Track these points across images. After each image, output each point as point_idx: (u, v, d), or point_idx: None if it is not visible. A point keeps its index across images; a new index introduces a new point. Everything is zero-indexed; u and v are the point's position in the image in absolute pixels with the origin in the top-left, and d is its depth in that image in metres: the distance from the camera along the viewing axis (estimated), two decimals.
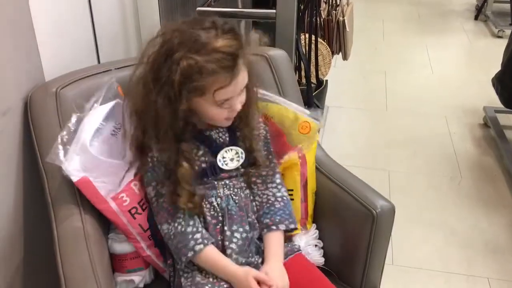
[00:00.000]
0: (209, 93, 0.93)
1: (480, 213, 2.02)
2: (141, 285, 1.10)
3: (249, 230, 1.03)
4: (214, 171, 1.04)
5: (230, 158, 1.05)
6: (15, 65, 1.03)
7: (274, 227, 1.05)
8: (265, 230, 1.05)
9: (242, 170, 1.07)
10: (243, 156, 1.06)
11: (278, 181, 1.10)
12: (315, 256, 1.14)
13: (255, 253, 1.04)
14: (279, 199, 1.08)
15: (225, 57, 0.91)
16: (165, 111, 0.94)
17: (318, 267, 1.11)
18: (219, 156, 1.04)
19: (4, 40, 0.98)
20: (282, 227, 1.05)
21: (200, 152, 1.04)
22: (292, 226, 1.06)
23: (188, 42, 0.92)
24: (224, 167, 1.04)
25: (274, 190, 1.09)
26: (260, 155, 1.08)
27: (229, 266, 0.99)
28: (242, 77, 0.96)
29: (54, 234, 0.99)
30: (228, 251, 1.01)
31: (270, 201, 1.08)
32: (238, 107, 1.00)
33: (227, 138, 1.07)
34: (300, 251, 1.10)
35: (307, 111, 1.18)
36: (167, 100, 0.93)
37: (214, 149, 1.05)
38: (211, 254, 0.99)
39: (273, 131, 1.15)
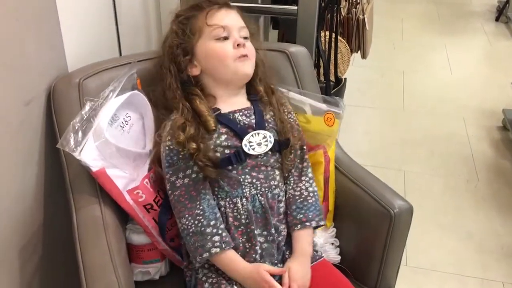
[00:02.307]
0: (203, 23, 1.02)
1: (496, 217, 2.00)
2: (157, 276, 1.11)
3: (274, 233, 1.00)
4: (239, 157, 0.98)
5: (257, 142, 1.00)
6: (39, 55, 1.04)
7: (308, 223, 1.02)
8: (298, 226, 1.02)
9: (272, 160, 1.02)
10: (272, 140, 1.01)
11: (310, 175, 1.08)
12: (332, 254, 1.13)
13: (280, 260, 1.01)
14: (311, 194, 1.05)
15: (215, 1, 1.06)
16: (173, 76, 1.04)
17: (334, 264, 1.11)
18: (244, 141, 0.99)
19: (29, 30, 0.99)
20: (314, 223, 1.03)
21: (223, 137, 0.99)
22: (322, 223, 1.04)
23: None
24: (251, 152, 0.98)
25: (307, 184, 1.06)
26: (294, 137, 1.05)
27: (243, 267, 0.96)
28: (236, 16, 1.06)
29: (73, 222, 1.00)
30: (253, 255, 0.98)
31: (303, 196, 1.04)
32: (241, 40, 1.03)
33: (253, 121, 1.03)
34: (323, 257, 1.07)
35: (325, 106, 1.16)
36: (174, 64, 1.04)
37: (240, 131, 1.00)
38: (226, 258, 0.96)
39: None
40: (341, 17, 2.26)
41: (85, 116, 0.99)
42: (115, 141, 1.01)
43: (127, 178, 1.03)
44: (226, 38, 1.02)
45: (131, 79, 1.09)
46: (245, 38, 1.06)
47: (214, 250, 0.94)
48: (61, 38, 1.09)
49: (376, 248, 1.08)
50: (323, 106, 1.16)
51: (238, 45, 1.02)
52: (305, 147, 1.10)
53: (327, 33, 2.05)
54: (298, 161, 1.08)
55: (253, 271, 0.95)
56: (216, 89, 1.05)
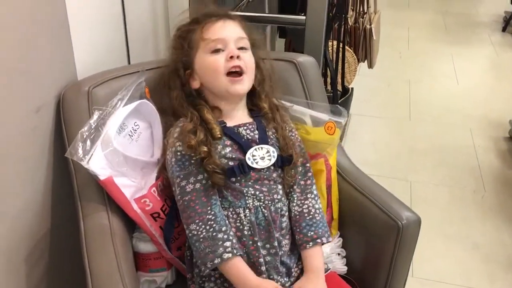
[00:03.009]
0: (199, 37, 1.03)
1: (503, 228, 1.99)
2: (163, 285, 1.11)
3: (277, 246, 0.99)
4: (243, 169, 0.99)
5: (260, 156, 1.01)
6: (50, 63, 1.05)
7: (318, 240, 1.01)
8: (310, 243, 1.01)
9: (275, 175, 1.03)
10: (275, 155, 1.01)
11: (315, 192, 1.07)
12: (338, 264, 1.13)
13: (285, 274, 1.00)
14: (318, 211, 1.05)
15: (211, 11, 1.06)
16: (177, 89, 1.06)
17: (340, 275, 1.10)
18: (248, 154, 1.00)
19: (40, 38, 1.00)
20: (324, 240, 1.02)
21: (228, 149, 1.00)
22: (330, 239, 1.04)
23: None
24: (254, 165, 0.99)
25: (313, 202, 1.05)
26: (296, 155, 1.04)
27: (252, 279, 0.95)
28: (234, 26, 1.05)
29: (81, 230, 1.00)
30: (258, 267, 0.97)
31: (311, 213, 1.04)
32: (235, 51, 1.01)
33: (257, 136, 1.04)
34: (330, 269, 1.07)
35: (327, 116, 1.16)
36: (177, 78, 1.06)
37: (244, 145, 1.01)
38: (237, 264, 0.94)
39: None
40: (348, 26, 2.27)
41: (94, 125, 0.99)
42: (123, 150, 1.01)
43: (135, 187, 1.03)
44: (221, 50, 1.02)
45: (140, 87, 1.09)
46: (243, 48, 1.04)
47: (226, 255, 0.93)
48: (71, 46, 1.10)
49: (383, 260, 1.07)
50: (324, 116, 1.17)
51: (231, 57, 1.01)
52: (308, 164, 1.09)
53: (335, 42, 2.05)
54: (300, 177, 1.07)
55: (265, 285, 0.94)
56: (218, 102, 1.06)
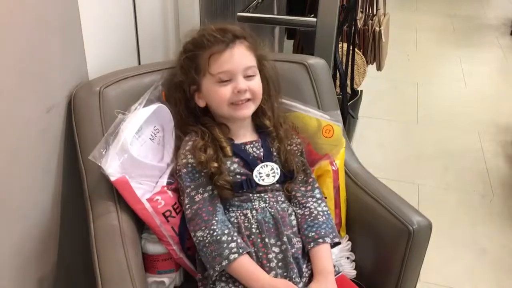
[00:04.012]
0: (206, 66, 1.01)
1: (511, 233, 1.97)
2: (171, 287, 1.10)
3: (287, 242, 1.00)
4: (250, 184, 1.03)
5: (266, 173, 1.05)
6: (61, 63, 1.05)
7: (320, 240, 1.02)
8: (312, 244, 1.02)
9: (278, 185, 1.07)
10: (278, 172, 1.06)
11: (318, 196, 1.10)
12: (347, 268, 1.12)
13: (298, 273, 1.00)
14: (321, 213, 1.07)
15: (221, 33, 1.01)
16: (182, 104, 1.07)
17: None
18: (255, 172, 1.04)
19: (52, 38, 1.00)
20: (328, 240, 1.02)
21: (235, 166, 1.04)
22: (336, 240, 1.04)
23: (197, 34, 1.06)
24: (261, 182, 1.04)
25: (315, 204, 1.08)
26: (296, 170, 1.09)
27: (265, 276, 0.96)
28: (242, 54, 1.02)
29: (91, 231, 1.00)
30: (267, 264, 0.98)
31: (313, 214, 1.06)
32: (242, 85, 1.01)
33: (261, 153, 1.07)
34: (341, 272, 1.07)
35: (327, 116, 1.18)
36: (181, 93, 1.06)
37: (251, 162, 1.05)
38: (245, 263, 0.96)
39: None
40: (357, 28, 2.26)
41: (114, 129, 1.01)
42: (137, 154, 1.02)
43: (146, 190, 1.04)
44: (229, 81, 1.02)
45: (157, 90, 1.11)
46: (251, 76, 1.04)
47: (232, 256, 0.95)
48: (83, 46, 1.10)
49: (393, 265, 1.07)
50: (325, 117, 1.19)
51: (239, 91, 1.01)
52: (308, 171, 1.12)
53: (344, 44, 2.05)
54: (301, 185, 1.11)
55: (281, 285, 0.94)
56: (224, 120, 1.08)
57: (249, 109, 1.05)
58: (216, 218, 0.99)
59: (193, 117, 1.08)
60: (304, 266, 1.02)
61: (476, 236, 1.96)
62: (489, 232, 1.98)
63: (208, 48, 1.01)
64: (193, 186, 1.02)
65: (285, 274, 0.98)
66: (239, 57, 1.02)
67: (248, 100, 1.04)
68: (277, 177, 1.05)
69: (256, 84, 1.05)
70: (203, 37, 1.02)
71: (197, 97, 1.07)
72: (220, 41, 1.01)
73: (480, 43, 4.00)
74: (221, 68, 1.01)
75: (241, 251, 0.96)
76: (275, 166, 1.06)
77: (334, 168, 1.17)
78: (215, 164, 1.00)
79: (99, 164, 0.97)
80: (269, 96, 1.12)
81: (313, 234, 1.03)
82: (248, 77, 1.03)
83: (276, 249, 1.00)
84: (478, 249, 1.90)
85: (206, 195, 1.01)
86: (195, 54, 1.04)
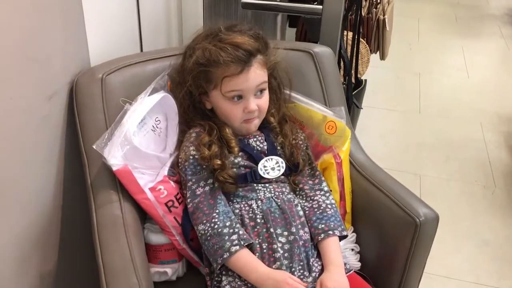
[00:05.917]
0: (218, 83, 0.99)
1: None
2: (174, 277, 1.10)
3: (295, 233, 0.99)
4: (255, 176, 1.03)
5: (271, 167, 1.05)
6: (63, 49, 1.02)
7: (330, 232, 1.01)
8: (322, 235, 1.01)
9: (282, 177, 1.06)
10: (283, 165, 1.05)
11: (326, 189, 1.09)
12: (352, 260, 1.11)
13: (306, 266, 0.99)
14: (329, 206, 1.06)
15: (238, 51, 0.98)
16: (186, 101, 1.06)
17: (354, 271, 1.09)
18: (260, 165, 1.04)
19: (54, 24, 0.98)
20: (337, 232, 1.02)
21: (239, 159, 1.04)
22: (344, 233, 1.04)
23: (211, 35, 1.02)
24: (266, 175, 1.04)
25: (323, 198, 1.07)
26: (303, 163, 1.08)
27: (264, 268, 0.95)
28: (256, 75, 1.01)
29: (93, 220, 0.99)
30: (273, 255, 0.97)
31: (322, 207, 1.05)
32: (253, 106, 1.01)
33: (265, 147, 1.07)
34: (352, 270, 1.06)
35: (331, 112, 1.17)
36: (187, 91, 1.05)
37: (255, 156, 1.05)
38: (244, 256, 0.95)
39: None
40: (361, 17, 2.23)
41: (120, 119, 1.00)
42: (139, 144, 1.00)
43: (148, 180, 1.02)
44: (240, 97, 1.02)
45: (162, 79, 1.09)
46: (262, 90, 1.04)
47: (234, 248, 0.94)
48: (85, 33, 1.08)
49: (398, 257, 1.06)
50: (329, 113, 1.18)
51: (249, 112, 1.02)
52: (314, 164, 1.12)
53: (349, 33, 2.02)
54: (308, 178, 1.10)
55: (279, 276, 0.93)
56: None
57: (256, 124, 1.07)
58: (217, 211, 0.98)
59: (199, 113, 1.08)
60: (313, 261, 1.01)
61: (477, 227, 1.96)
62: (491, 223, 1.98)
63: (222, 67, 0.98)
64: (194, 180, 1.02)
65: (290, 265, 0.97)
66: (253, 78, 1.01)
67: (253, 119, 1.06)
68: (282, 170, 1.05)
69: (264, 102, 1.05)
70: (219, 55, 0.98)
71: (204, 99, 1.07)
72: (236, 61, 0.98)
73: (482, 33, 3.97)
74: (234, 88, 1.00)
75: (242, 243, 0.95)
76: (280, 159, 1.06)
77: (337, 161, 1.16)
78: (219, 162, 1.00)
79: (102, 154, 0.96)
80: (277, 99, 1.12)
81: (322, 226, 1.02)
82: (258, 91, 1.03)
83: (283, 239, 0.99)
84: (480, 240, 1.89)
85: (207, 188, 1.01)
86: (207, 70, 1.01)
